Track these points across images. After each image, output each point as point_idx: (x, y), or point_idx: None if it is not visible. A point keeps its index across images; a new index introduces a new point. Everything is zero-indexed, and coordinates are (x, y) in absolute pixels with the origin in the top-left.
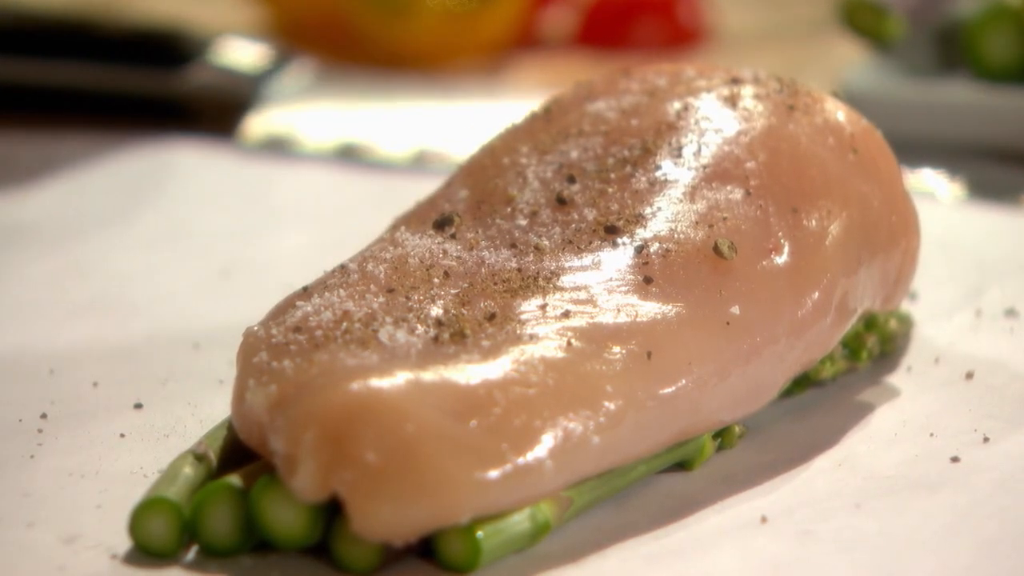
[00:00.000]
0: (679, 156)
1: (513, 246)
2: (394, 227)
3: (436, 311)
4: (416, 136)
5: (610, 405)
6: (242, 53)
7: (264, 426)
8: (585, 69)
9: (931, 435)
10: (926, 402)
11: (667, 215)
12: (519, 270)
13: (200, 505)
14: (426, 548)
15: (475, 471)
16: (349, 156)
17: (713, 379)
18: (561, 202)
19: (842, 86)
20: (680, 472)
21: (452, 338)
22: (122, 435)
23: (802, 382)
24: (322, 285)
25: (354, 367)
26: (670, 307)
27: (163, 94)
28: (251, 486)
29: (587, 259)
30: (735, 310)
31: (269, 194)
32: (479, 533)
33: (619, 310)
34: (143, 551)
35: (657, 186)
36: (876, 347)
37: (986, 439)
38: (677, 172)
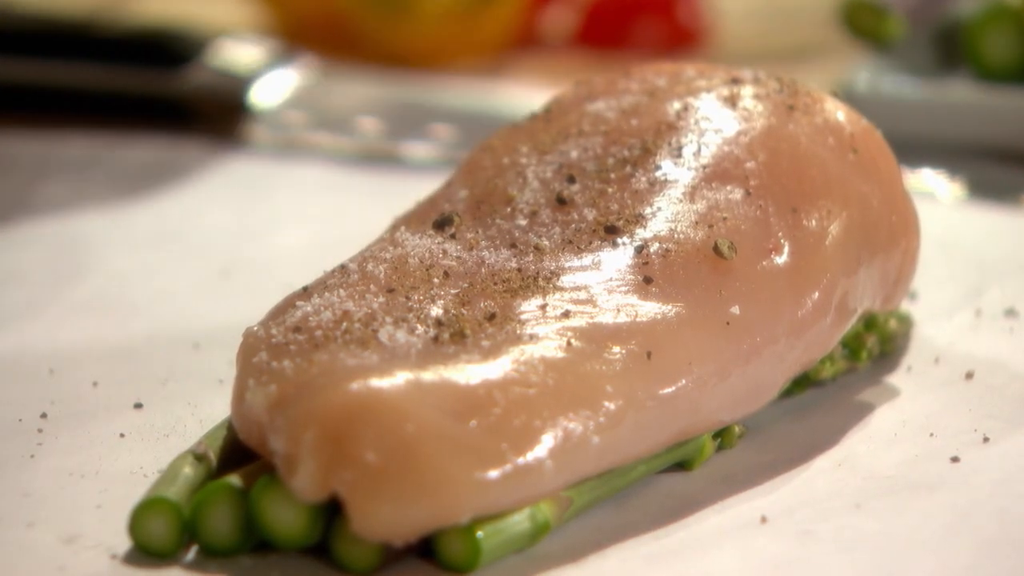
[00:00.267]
0: (679, 156)
1: (513, 246)
2: (394, 227)
3: (436, 311)
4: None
5: (610, 405)
6: (242, 53)
7: (264, 426)
8: (585, 69)
9: (931, 435)
10: (926, 402)
11: (667, 215)
12: (519, 270)
13: (200, 505)
14: (426, 548)
15: (475, 471)
16: (349, 156)
17: (713, 379)
18: (561, 202)
19: (842, 86)
20: (680, 472)
21: (452, 338)
22: (122, 435)
23: (802, 382)
24: (322, 285)
25: (354, 367)
26: (670, 307)
27: (163, 94)
28: (251, 486)
29: (587, 259)
30: (735, 310)
31: (269, 194)
32: (479, 533)
33: (619, 310)
34: (143, 551)
35: (657, 186)
36: (876, 347)
37: (986, 439)
38: (677, 172)
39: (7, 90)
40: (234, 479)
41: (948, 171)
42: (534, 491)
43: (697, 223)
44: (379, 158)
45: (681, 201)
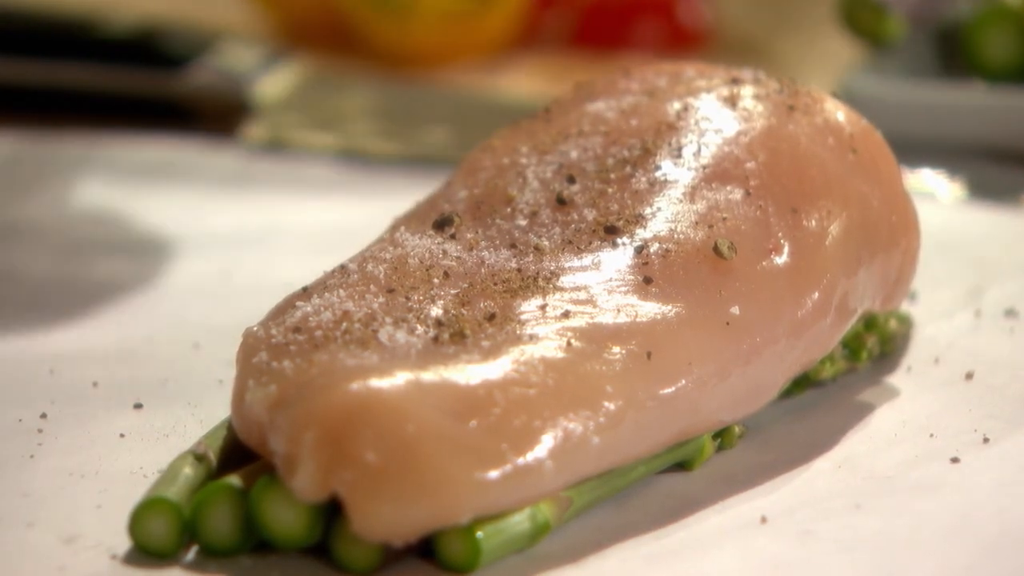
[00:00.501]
0: (679, 156)
1: (513, 246)
2: (394, 227)
3: (436, 311)
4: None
5: (610, 405)
6: (242, 53)
7: (264, 426)
8: (585, 69)
9: (931, 435)
10: (926, 402)
11: (667, 215)
12: (519, 270)
13: (200, 505)
14: (426, 548)
15: (475, 471)
16: (349, 156)
17: (713, 379)
18: (561, 202)
19: (842, 86)
20: (680, 472)
21: (452, 338)
22: (122, 435)
23: (802, 382)
24: (322, 285)
25: (354, 367)
26: (670, 307)
27: (163, 94)
28: (251, 486)
29: (587, 259)
30: (735, 310)
31: (269, 194)
32: (479, 533)
33: (619, 310)
34: (143, 551)
35: (657, 186)
36: (876, 347)
37: (986, 439)
38: (677, 172)
39: (7, 90)
40: (234, 479)
41: (948, 171)
42: (534, 491)
43: (697, 223)
44: (379, 158)
45: (681, 201)
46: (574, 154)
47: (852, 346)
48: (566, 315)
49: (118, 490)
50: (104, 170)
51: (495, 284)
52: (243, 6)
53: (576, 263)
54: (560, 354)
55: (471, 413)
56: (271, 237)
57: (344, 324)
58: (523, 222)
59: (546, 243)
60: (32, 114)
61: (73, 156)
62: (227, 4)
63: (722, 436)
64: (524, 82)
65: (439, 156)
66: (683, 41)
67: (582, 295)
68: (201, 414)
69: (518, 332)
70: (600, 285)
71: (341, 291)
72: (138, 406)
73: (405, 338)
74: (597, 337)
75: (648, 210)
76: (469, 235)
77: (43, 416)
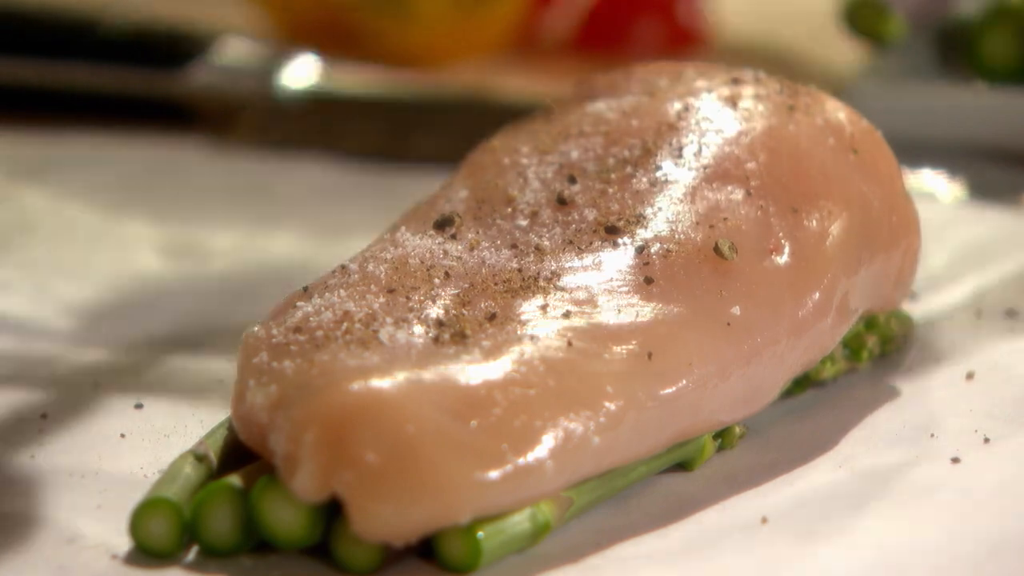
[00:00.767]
0: (679, 156)
1: (514, 246)
2: (394, 227)
3: (436, 311)
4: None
5: (610, 405)
6: (242, 53)
7: (264, 426)
8: (585, 69)
9: (931, 435)
10: (926, 402)
11: (667, 215)
12: (519, 270)
13: (200, 505)
14: (426, 548)
15: (475, 471)
16: (349, 156)
17: (714, 379)
18: (562, 202)
19: (842, 86)
20: (680, 472)
21: (452, 338)
22: (122, 435)
23: (802, 382)
24: (322, 285)
25: (354, 367)
26: (671, 307)
27: (163, 94)
28: (251, 486)
29: (588, 259)
30: (736, 311)
31: (269, 194)
32: (479, 533)
33: (620, 310)
34: (143, 551)
35: (657, 186)
36: (876, 347)
37: (986, 439)
38: (677, 172)
39: (7, 90)
40: (234, 479)
41: (948, 171)
42: (534, 491)
43: (698, 223)
44: (379, 158)
45: (682, 201)
46: (575, 154)
47: (852, 346)
48: (567, 315)
49: (118, 490)
50: (104, 170)
51: (496, 284)
52: (243, 6)
53: (577, 263)
54: (561, 354)
55: (471, 413)
56: (271, 237)
57: (345, 324)
58: (524, 222)
59: (547, 243)
60: (32, 114)
61: (73, 156)
62: (227, 4)
63: (722, 436)
64: (524, 82)
65: (439, 157)
66: (683, 41)
67: (583, 295)
68: (201, 414)
69: (519, 332)
70: (601, 285)
71: (342, 291)
72: (138, 406)
73: (406, 338)
74: (598, 337)
75: (649, 210)
76: (470, 235)
77: (43, 416)
